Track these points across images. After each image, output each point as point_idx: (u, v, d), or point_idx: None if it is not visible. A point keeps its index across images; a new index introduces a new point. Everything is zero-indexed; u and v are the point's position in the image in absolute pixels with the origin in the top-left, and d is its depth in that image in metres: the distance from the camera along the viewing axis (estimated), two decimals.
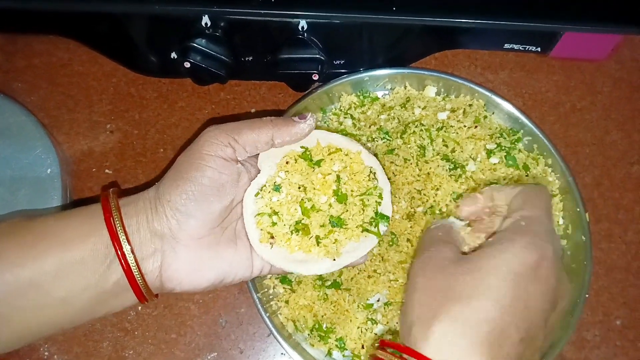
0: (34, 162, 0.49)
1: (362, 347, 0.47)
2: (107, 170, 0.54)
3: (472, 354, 0.31)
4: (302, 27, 0.51)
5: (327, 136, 0.44)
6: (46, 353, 0.48)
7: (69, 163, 0.54)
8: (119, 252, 0.36)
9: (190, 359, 0.49)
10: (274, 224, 0.41)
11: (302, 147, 0.44)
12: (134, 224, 0.37)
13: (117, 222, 0.36)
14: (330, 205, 0.43)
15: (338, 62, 0.54)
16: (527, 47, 0.57)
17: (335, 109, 0.55)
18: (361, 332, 0.47)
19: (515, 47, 0.57)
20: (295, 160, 0.43)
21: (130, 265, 0.36)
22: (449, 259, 0.36)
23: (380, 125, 0.52)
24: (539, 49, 0.57)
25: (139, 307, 0.50)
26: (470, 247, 0.40)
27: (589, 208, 0.50)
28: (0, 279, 0.34)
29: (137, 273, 0.36)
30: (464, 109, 0.53)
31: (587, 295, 0.47)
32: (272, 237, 0.41)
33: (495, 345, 0.32)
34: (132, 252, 0.36)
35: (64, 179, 0.50)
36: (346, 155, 0.44)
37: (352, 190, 0.43)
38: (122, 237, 0.36)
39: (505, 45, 0.57)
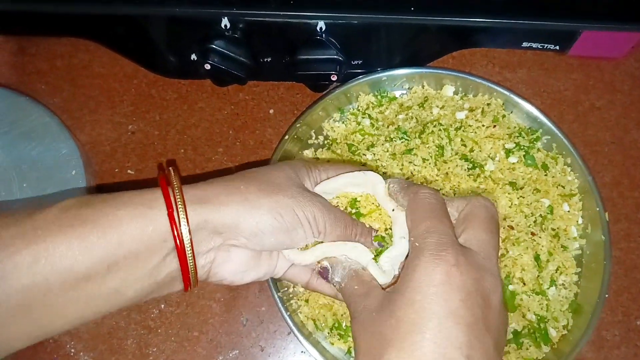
0: (60, 164, 0.50)
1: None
2: (129, 171, 0.55)
3: None
4: (321, 28, 0.51)
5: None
6: (72, 350, 0.49)
7: (92, 164, 0.55)
8: (178, 247, 0.35)
9: (212, 357, 0.50)
10: None
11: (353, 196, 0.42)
12: (196, 218, 0.35)
13: (182, 213, 0.35)
14: None
15: (356, 62, 0.55)
16: (546, 45, 0.56)
17: (353, 109, 0.55)
18: None
19: (534, 45, 0.56)
20: (346, 207, 0.42)
21: (188, 261, 0.35)
22: (371, 309, 0.35)
23: (399, 125, 0.52)
24: (557, 48, 0.56)
25: (162, 305, 0.51)
26: (385, 273, 0.39)
27: (608, 207, 0.50)
28: (54, 270, 0.32)
29: (192, 269, 0.36)
30: (482, 108, 0.53)
31: (606, 295, 0.47)
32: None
33: None
34: (192, 248, 0.35)
35: (89, 180, 0.51)
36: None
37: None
38: (185, 234, 0.35)
39: (524, 44, 0.56)
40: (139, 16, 0.52)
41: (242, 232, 0.36)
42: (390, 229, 0.40)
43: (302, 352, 0.50)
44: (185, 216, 0.35)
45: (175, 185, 0.36)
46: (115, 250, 0.33)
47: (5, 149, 0.50)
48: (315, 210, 0.38)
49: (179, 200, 0.35)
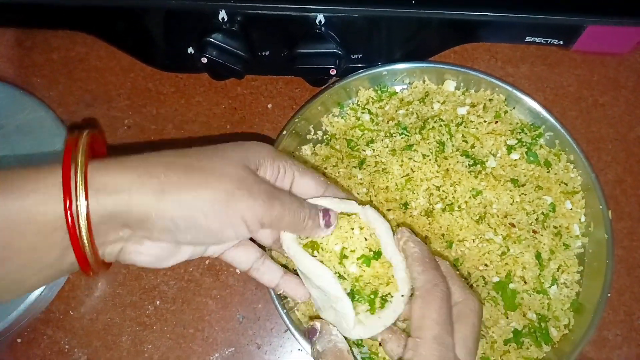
0: (55, 158, 0.49)
1: (380, 344, 0.47)
2: None
3: None
4: (320, 22, 0.50)
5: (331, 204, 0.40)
6: (67, 346, 0.49)
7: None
8: (74, 241, 0.31)
9: (208, 354, 0.49)
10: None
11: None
12: (100, 210, 0.31)
13: (82, 204, 0.30)
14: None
15: (355, 56, 0.54)
16: (549, 40, 0.56)
17: (353, 104, 0.54)
18: None
19: (537, 40, 0.56)
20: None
21: (87, 255, 0.31)
22: None
23: (399, 121, 0.52)
24: (561, 43, 0.56)
25: (157, 302, 0.50)
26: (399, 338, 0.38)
27: (611, 205, 0.50)
28: None
29: (92, 261, 0.32)
30: (484, 103, 0.52)
31: (609, 295, 0.46)
32: None
33: None
34: (92, 242, 0.31)
35: None
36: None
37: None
38: (83, 229, 0.30)
39: (527, 38, 0.56)
40: (136, 8, 0.51)
41: (154, 227, 0.32)
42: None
43: (298, 349, 0.49)
44: (86, 208, 0.30)
45: (79, 170, 0.30)
46: (8, 243, 0.30)
47: None
48: (256, 207, 0.34)
49: (80, 188, 0.30)
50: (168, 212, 0.32)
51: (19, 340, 0.49)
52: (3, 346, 0.48)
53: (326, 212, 0.39)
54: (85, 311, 0.50)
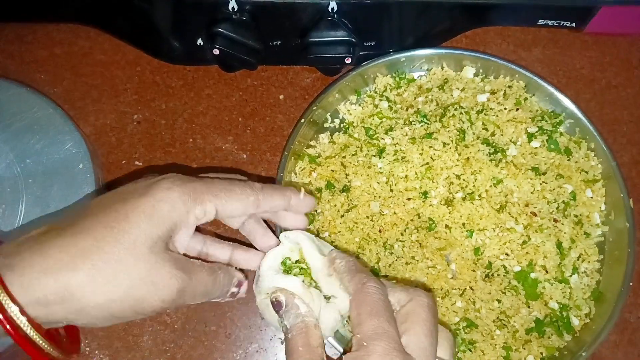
0: (66, 157, 0.48)
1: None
2: (137, 162, 0.53)
3: None
4: (332, 8, 0.49)
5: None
6: (87, 349, 0.48)
7: (98, 156, 0.53)
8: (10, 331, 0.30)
9: (231, 351, 0.48)
10: None
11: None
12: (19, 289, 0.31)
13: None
14: None
15: (369, 43, 0.53)
16: (562, 22, 0.55)
17: (370, 91, 0.53)
18: None
19: (550, 23, 0.55)
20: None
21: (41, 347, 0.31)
22: None
23: (418, 108, 0.51)
24: (573, 25, 0.55)
25: None
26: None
27: (627, 187, 0.49)
28: None
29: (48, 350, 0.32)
30: (504, 90, 0.51)
31: (630, 284, 0.46)
32: None
33: None
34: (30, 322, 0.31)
35: (96, 173, 0.49)
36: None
37: None
38: (11, 311, 0.30)
39: (540, 21, 0.55)
40: None
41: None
42: None
43: None
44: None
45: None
46: None
47: (8, 143, 0.48)
48: (163, 298, 0.34)
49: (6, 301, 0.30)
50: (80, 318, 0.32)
51: None
52: (22, 350, 0.47)
53: (240, 284, 0.40)
54: None
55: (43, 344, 0.32)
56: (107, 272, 0.32)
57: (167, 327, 0.49)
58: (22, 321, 0.30)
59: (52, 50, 0.56)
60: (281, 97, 0.56)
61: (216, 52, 0.49)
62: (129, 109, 0.55)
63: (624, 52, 0.58)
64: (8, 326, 0.30)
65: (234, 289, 0.40)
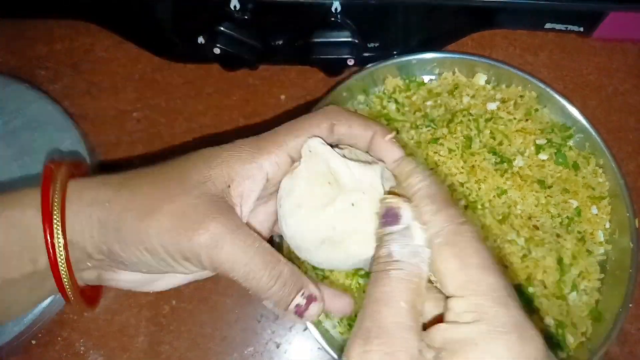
0: (64, 155, 0.48)
1: None
2: (135, 161, 0.53)
3: None
4: (336, 9, 0.49)
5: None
6: (82, 348, 0.48)
7: (97, 154, 0.52)
8: (55, 270, 0.30)
9: (226, 354, 0.48)
10: None
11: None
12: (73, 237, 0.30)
13: (57, 229, 0.30)
14: None
15: (372, 45, 0.52)
16: (569, 27, 0.54)
17: (379, 92, 0.53)
18: None
19: (557, 27, 0.54)
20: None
21: (64, 284, 0.31)
22: None
23: (426, 112, 0.50)
24: (581, 29, 0.54)
25: (173, 302, 0.49)
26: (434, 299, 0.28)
27: (633, 197, 0.48)
28: None
29: (70, 290, 0.32)
30: (515, 100, 0.50)
31: (630, 305, 0.45)
32: None
33: None
34: (69, 270, 0.31)
35: (95, 171, 0.49)
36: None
37: None
38: (58, 249, 0.30)
39: (547, 25, 0.54)
40: None
41: (116, 260, 0.31)
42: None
43: (318, 348, 0.49)
44: (63, 238, 0.30)
45: (57, 202, 0.30)
46: None
47: (6, 140, 0.48)
48: (201, 246, 0.29)
49: (57, 220, 0.30)
50: (131, 248, 0.30)
51: (33, 342, 0.47)
52: (19, 349, 0.47)
53: (311, 299, 0.30)
54: (100, 312, 0.48)
55: (66, 282, 0.31)
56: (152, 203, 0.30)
57: (163, 328, 0.48)
58: (61, 254, 0.30)
59: (52, 47, 0.56)
60: (282, 97, 0.55)
61: (217, 50, 0.49)
62: (128, 106, 0.54)
63: (632, 59, 0.57)
64: (51, 251, 0.30)
65: (300, 300, 0.30)
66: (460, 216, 0.27)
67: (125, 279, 0.33)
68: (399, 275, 0.26)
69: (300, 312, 0.30)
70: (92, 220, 0.30)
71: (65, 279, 0.31)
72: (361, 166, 0.31)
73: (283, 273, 0.30)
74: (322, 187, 0.31)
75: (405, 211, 0.28)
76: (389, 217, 0.28)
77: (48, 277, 0.31)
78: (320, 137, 0.32)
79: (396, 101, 0.52)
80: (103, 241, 0.30)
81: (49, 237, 0.29)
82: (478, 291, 0.25)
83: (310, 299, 0.30)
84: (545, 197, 0.47)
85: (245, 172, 0.31)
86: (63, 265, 0.30)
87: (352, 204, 0.30)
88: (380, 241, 0.28)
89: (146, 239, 0.29)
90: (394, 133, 0.32)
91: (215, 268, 0.29)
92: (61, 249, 0.30)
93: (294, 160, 0.32)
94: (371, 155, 0.33)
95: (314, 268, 0.47)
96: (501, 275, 0.26)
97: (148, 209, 0.30)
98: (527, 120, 0.49)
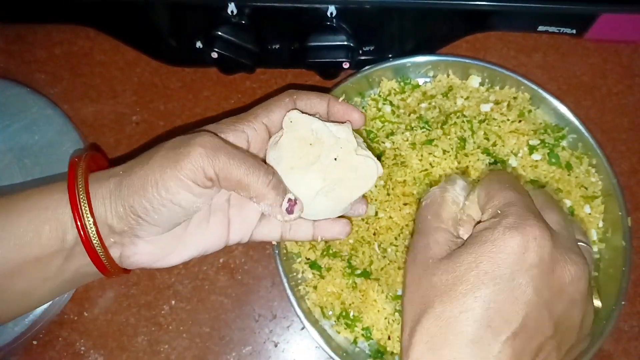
0: (64, 158, 0.48)
1: (389, 338, 0.47)
2: None
3: (455, 354, 0.29)
4: (331, 13, 0.49)
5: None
6: (82, 348, 0.48)
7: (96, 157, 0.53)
8: (85, 243, 0.34)
9: (224, 353, 0.49)
10: None
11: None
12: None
13: (85, 209, 0.33)
14: None
15: (367, 48, 0.53)
16: (562, 29, 0.55)
17: (374, 95, 0.53)
18: (388, 323, 0.47)
19: (550, 29, 0.55)
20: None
21: (98, 252, 0.34)
22: (433, 255, 0.33)
23: (421, 114, 0.51)
24: (574, 31, 0.55)
25: (172, 302, 0.50)
26: (468, 222, 0.35)
27: (625, 196, 0.49)
28: None
29: (103, 256, 0.35)
30: (509, 101, 0.51)
31: (623, 303, 0.45)
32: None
33: (483, 343, 0.29)
34: (100, 240, 0.34)
35: None
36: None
37: None
38: (87, 220, 0.33)
39: (540, 27, 0.55)
40: (141, 1, 0.50)
41: (134, 215, 0.34)
42: None
43: (316, 347, 0.49)
44: (86, 200, 0.34)
45: (81, 187, 0.34)
46: (14, 254, 0.33)
47: (6, 143, 0.48)
48: (197, 158, 0.33)
49: (83, 202, 0.34)
50: (137, 194, 0.33)
51: (34, 343, 0.48)
52: (19, 349, 0.47)
53: (294, 201, 0.36)
54: (100, 312, 0.49)
55: (101, 253, 0.34)
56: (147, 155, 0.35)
57: (162, 328, 0.49)
58: (90, 227, 0.34)
59: (51, 51, 0.56)
60: None
61: (215, 55, 0.49)
62: (127, 110, 0.55)
63: (626, 60, 0.58)
64: (82, 232, 0.33)
65: (289, 199, 0.36)
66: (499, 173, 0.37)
67: (143, 251, 0.35)
68: (446, 196, 0.36)
69: (291, 209, 0.36)
70: (109, 190, 0.34)
71: (99, 250, 0.34)
72: (336, 125, 0.38)
73: (275, 176, 0.36)
74: (306, 149, 0.37)
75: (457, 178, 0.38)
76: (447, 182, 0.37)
77: (74, 255, 0.34)
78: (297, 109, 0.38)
79: (391, 103, 0.52)
80: (120, 202, 0.34)
81: (78, 220, 0.33)
82: (495, 203, 0.33)
83: (294, 201, 0.36)
84: None
85: (227, 136, 0.36)
86: (95, 239, 0.34)
87: (335, 159, 0.37)
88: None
89: (151, 175, 0.33)
90: (343, 96, 0.37)
91: (217, 174, 0.34)
92: (91, 226, 0.34)
93: (269, 129, 0.38)
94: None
95: (311, 267, 0.48)
96: (520, 192, 0.33)
97: (150, 157, 0.34)
98: (520, 121, 0.50)
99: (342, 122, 0.39)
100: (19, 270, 0.33)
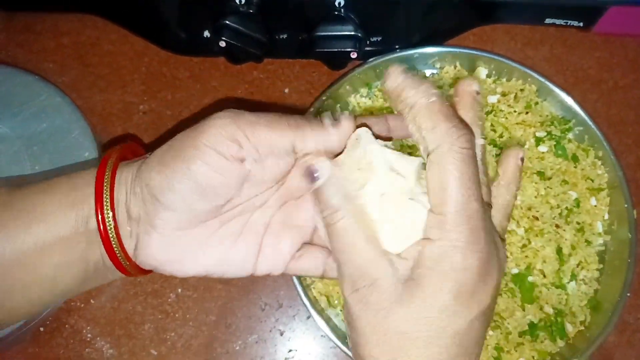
0: (72, 146, 0.49)
1: None
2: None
3: None
4: (339, 3, 0.49)
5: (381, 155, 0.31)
6: (89, 335, 0.49)
7: (104, 146, 0.53)
8: (101, 232, 0.33)
9: (231, 342, 0.49)
10: None
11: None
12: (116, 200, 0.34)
13: (106, 195, 0.33)
14: None
15: (375, 39, 0.53)
16: (569, 22, 0.55)
17: (381, 86, 0.53)
18: None
19: (557, 22, 0.55)
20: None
21: (113, 245, 0.33)
22: (389, 299, 0.29)
23: None
24: (581, 24, 0.55)
25: (179, 290, 0.50)
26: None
27: (632, 190, 0.49)
28: None
29: (119, 252, 0.34)
30: (516, 93, 0.51)
31: (628, 295, 0.45)
32: None
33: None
34: (116, 230, 0.33)
35: None
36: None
37: None
38: (107, 212, 0.33)
39: (547, 20, 0.55)
40: None
41: (150, 196, 0.32)
42: None
43: (322, 336, 0.49)
44: (109, 186, 0.33)
45: (107, 176, 0.33)
46: (43, 233, 0.33)
47: (15, 131, 0.49)
48: (221, 124, 0.31)
49: (106, 199, 0.33)
50: (155, 173, 0.32)
51: (41, 329, 0.48)
52: (27, 335, 0.48)
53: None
54: (107, 300, 0.49)
55: (117, 250, 0.34)
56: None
57: (168, 316, 0.49)
58: (110, 224, 0.33)
59: (59, 40, 0.56)
60: (286, 90, 0.56)
61: (222, 44, 0.49)
62: (135, 99, 0.55)
63: (633, 53, 0.58)
64: (102, 227, 0.33)
65: (327, 120, 0.33)
66: (453, 132, 0.28)
67: (156, 245, 0.33)
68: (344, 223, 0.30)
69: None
70: (132, 173, 0.34)
71: (115, 247, 0.34)
72: (399, 156, 0.31)
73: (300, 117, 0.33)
74: (355, 174, 0.31)
75: (322, 165, 0.31)
76: (308, 174, 0.31)
77: (97, 241, 0.33)
78: (368, 127, 0.32)
79: None
80: (138, 182, 0.33)
81: (99, 213, 0.33)
82: (445, 212, 0.28)
83: (337, 121, 0.33)
84: (545, 189, 0.48)
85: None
86: (113, 234, 0.33)
87: (382, 194, 0.30)
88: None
89: (171, 150, 0.32)
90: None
91: (243, 131, 0.31)
92: (110, 221, 0.33)
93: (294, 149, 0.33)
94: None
95: None
96: (476, 197, 0.28)
97: (174, 137, 0.34)
98: (527, 113, 0.50)
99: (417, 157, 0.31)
100: (47, 249, 0.33)
